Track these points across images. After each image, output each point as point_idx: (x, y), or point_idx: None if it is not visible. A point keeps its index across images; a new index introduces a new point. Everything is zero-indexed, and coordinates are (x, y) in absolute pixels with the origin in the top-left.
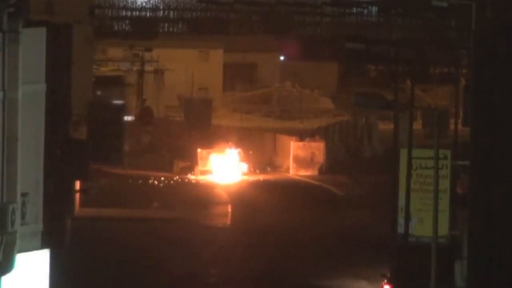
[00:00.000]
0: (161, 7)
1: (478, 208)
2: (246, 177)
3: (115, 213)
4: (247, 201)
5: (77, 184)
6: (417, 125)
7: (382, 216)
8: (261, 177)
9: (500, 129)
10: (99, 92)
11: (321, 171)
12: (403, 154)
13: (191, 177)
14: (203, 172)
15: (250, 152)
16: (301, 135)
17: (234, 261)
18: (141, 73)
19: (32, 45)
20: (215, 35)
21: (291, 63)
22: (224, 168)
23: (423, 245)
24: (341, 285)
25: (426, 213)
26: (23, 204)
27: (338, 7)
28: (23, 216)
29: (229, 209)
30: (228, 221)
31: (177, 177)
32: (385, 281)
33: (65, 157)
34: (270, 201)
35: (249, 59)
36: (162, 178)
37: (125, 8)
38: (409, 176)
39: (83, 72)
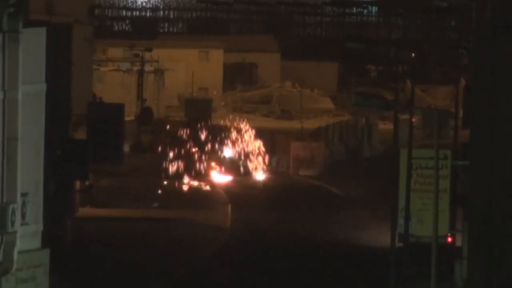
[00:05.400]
0: (161, 7)
1: (478, 208)
2: (246, 177)
3: (115, 213)
4: (247, 201)
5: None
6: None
7: (382, 216)
8: (261, 177)
9: (500, 129)
10: None
11: (321, 171)
12: (403, 154)
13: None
14: (200, 172)
15: (250, 151)
16: (301, 135)
17: (236, 261)
18: (141, 73)
19: (32, 45)
20: (215, 35)
21: (291, 63)
22: (225, 169)
23: (423, 245)
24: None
25: (426, 213)
26: (23, 204)
27: (338, 7)
28: (23, 216)
29: (229, 210)
30: (228, 222)
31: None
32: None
33: (65, 157)
34: (269, 202)
35: (249, 59)
36: (167, 179)
37: (125, 8)
38: (409, 176)
39: (83, 72)
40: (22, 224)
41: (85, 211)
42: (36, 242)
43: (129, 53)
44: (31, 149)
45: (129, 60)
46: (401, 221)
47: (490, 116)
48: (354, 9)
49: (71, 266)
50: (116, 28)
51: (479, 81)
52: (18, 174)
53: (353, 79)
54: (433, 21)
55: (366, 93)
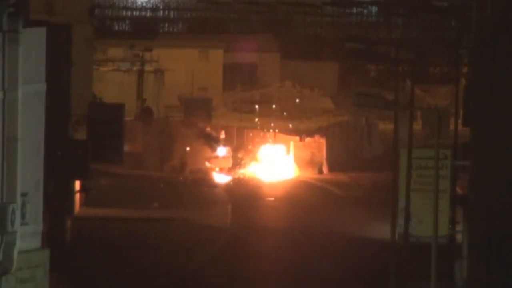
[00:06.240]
0: (161, 7)
1: (478, 208)
2: (242, 176)
3: (115, 213)
4: (244, 201)
5: (77, 184)
6: (417, 125)
7: (382, 216)
8: (259, 175)
9: (500, 129)
10: None
11: (320, 170)
12: (403, 154)
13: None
14: (193, 171)
15: (250, 148)
16: (301, 135)
17: (236, 260)
18: (141, 73)
19: (32, 45)
20: (215, 35)
21: (291, 63)
22: (218, 167)
23: (423, 245)
24: None
25: (426, 213)
26: (23, 204)
27: (338, 7)
28: (23, 216)
29: (229, 209)
30: (228, 221)
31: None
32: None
33: (65, 157)
34: (265, 202)
35: (249, 59)
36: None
37: (125, 8)
38: (409, 176)
39: (83, 72)
40: (22, 224)
41: (85, 211)
42: (36, 242)
43: (129, 53)
44: (31, 149)
45: (129, 60)
46: (401, 221)
47: (490, 116)
48: (354, 9)
49: (71, 266)
50: (116, 28)
51: (479, 81)
52: (18, 174)
53: (353, 79)
54: (433, 21)
55: (366, 93)
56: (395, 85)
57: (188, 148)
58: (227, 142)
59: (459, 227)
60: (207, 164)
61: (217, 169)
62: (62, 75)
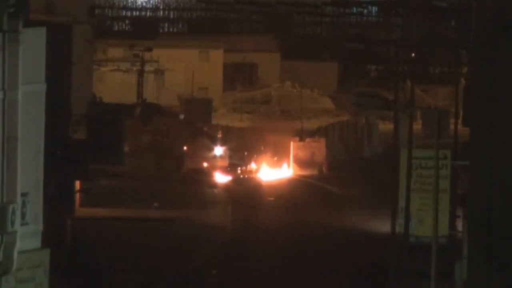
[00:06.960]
0: (161, 7)
1: (478, 208)
2: (241, 175)
3: (115, 213)
4: (243, 201)
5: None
6: (417, 125)
7: (382, 216)
8: (260, 175)
9: (500, 129)
10: None
11: (320, 171)
12: (403, 154)
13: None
14: (192, 171)
15: (248, 148)
16: (301, 135)
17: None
18: (141, 73)
19: (32, 45)
20: (215, 35)
21: (291, 63)
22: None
23: (423, 245)
24: None
25: (426, 213)
26: (23, 204)
27: (338, 7)
28: (23, 216)
29: (229, 209)
30: (228, 221)
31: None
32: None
33: (65, 157)
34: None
35: (249, 59)
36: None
37: (125, 8)
38: (409, 176)
39: (83, 72)
40: (22, 224)
41: (85, 211)
42: (36, 242)
43: (129, 53)
44: (31, 149)
45: (129, 60)
46: (401, 221)
47: (490, 116)
48: (354, 9)
49: (71, 266)
50: (116, 28)
51: (479, 81)
52: (18, 174)
53: (353, 79)
54: (433, 21)
55: (366, 93)
56: (395, 85)
57: (185, 148)
58: (225, 142)
59: (459, 226)
60: (204, 163)
61: (214, 169)
62: (62, 75)
